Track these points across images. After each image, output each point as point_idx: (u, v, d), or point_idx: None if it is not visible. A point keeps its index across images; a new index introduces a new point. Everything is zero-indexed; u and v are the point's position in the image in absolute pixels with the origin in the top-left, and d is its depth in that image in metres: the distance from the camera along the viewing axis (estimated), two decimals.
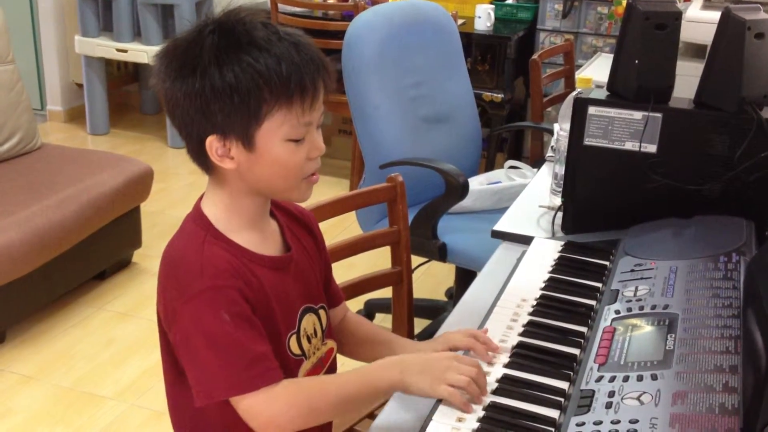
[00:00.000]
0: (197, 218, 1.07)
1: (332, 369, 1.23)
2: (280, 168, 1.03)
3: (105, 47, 4.32)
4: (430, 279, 3.07)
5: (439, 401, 1.01)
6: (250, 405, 1.01)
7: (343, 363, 1.25)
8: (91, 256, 2.86)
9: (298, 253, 1.14)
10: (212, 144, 1.01)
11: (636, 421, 0.89)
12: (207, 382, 1.01)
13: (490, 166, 3.50)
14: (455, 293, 2.68)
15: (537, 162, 2.64)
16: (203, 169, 1.07)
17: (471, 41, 3.67)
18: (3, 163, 2.93)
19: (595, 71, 2.94)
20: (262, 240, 1.10)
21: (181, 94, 1.00)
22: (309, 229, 1.21)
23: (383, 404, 1.10)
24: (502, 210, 1.73)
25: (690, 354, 1.00)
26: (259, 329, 1.03)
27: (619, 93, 1.48)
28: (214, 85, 0.98)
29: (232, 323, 0.99)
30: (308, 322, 1.15)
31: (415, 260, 1.86)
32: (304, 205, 1.20)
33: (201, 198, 1.10)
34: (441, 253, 2.21)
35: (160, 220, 3.41)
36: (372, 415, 1.47)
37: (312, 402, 1.03)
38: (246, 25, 1.00)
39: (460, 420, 0.98)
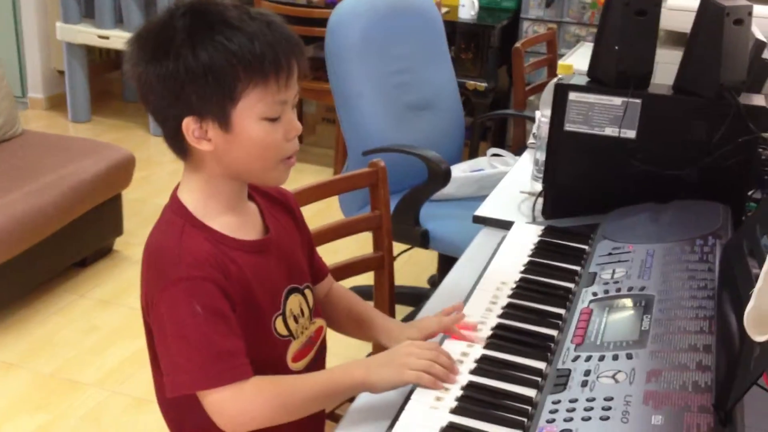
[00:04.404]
0: (175, 207, 1.07)
1: (323, 348, 1.24)
2: (257, 148, 1.03)
3: (87, 34, 4.29)
4: (413, 267, 3.07)
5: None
6: (215, 400, 1.01)
7: (335, 342, 1.25)
8: (73, 243, 2.85)
9: (278, 234, 1.14)
10: (189, 126, 1.01)
11: (611, 399, 0.91)
12: (175, 374, 1.02)
13: (473, 154, 3.49)
14: (437, 281, 2.69)
15: (519, 150, 2.64)
16: (179, 155, 1.07)
17: (455, 30, 3.67)
18: None
19: (578, 60, 2.93)
20: (241, 224, 1.10)
21: (155, 77, 0.99)
22: (288, 208, 1.21)
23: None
24: (484, 197, 1.74)
25: (665, 334, 1.01)
26: (232, 325, 1.03)
27: (599, 79, 1.49)
28: (188, 66, 0.97)
29: (203, 316, 1.00)
30: (294, 303, 1.15)
31: (398, 247, 1.87)
32: (285, 186, 1.21)
33: (177, 187, 1.10)
34: (423, 240, 2.21)
35: (142, 208, 3.39)
36: (351, 398, 1.47)
37: (280, 400, 1.03)
38: (218, 6, 1.01)
39: (438, 399, 0.99)
